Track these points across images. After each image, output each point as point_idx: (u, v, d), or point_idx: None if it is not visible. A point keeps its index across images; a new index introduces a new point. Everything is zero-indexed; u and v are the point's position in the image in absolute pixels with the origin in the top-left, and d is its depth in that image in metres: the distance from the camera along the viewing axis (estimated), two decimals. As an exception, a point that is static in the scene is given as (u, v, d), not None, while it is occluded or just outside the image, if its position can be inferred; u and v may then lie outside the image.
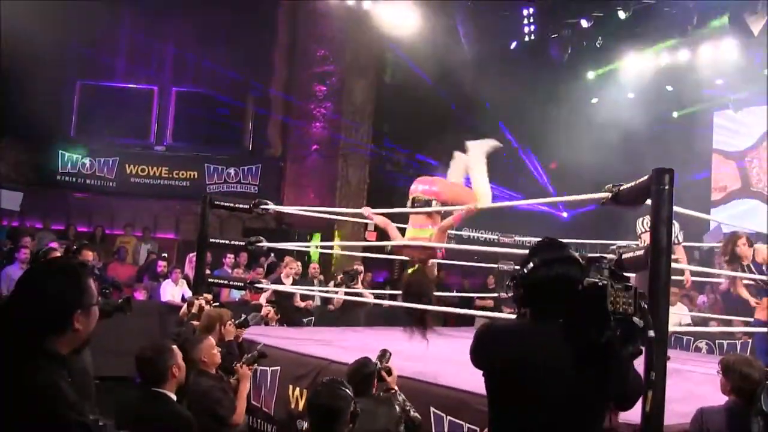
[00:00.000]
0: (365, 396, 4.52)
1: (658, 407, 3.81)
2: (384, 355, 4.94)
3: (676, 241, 7.75)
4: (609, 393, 2.64)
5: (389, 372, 4.82)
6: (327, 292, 10.55)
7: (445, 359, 6.55)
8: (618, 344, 2.49)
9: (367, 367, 4.77)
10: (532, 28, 16.51)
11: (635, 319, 2.50)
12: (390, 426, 4.49)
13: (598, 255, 2.96)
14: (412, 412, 4.74)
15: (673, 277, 8.13)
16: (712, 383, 4.37)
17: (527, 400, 2.64)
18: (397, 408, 4.64)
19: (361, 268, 11.29)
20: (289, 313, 10.15)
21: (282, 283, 10.31)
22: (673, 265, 6.96)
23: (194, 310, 7.05)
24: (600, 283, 2.54)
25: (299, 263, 11.04)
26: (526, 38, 16.70)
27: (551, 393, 2.59)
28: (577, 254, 2.80)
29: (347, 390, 3.79)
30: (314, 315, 10.77)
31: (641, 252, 4.49)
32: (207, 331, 5.87)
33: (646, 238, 7.63)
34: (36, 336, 2.23)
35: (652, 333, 2.52)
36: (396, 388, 4.80)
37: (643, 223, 7.74)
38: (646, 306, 2.55)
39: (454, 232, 16.23)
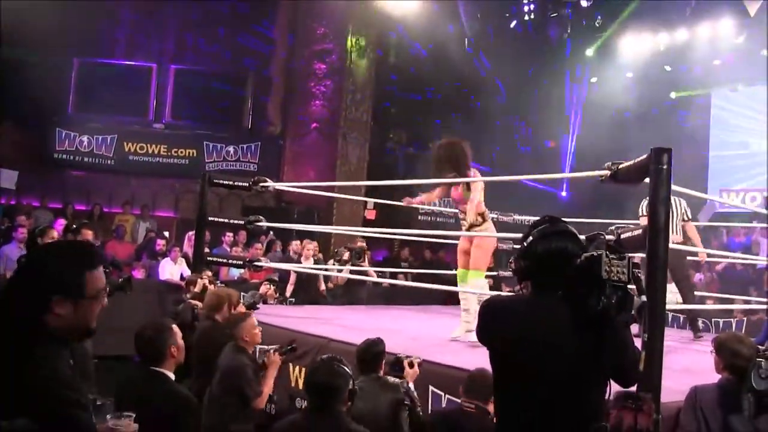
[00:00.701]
0: (371, 374, 4.59)
1: (655, 370, 3.88)
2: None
3: (686, 218, 7.81)
4: (606, 364, 2.65)
5: (412, 365, 4.79)
6: (333, 270, 10.54)
7: (443, 338, 6.60)
8: (613, 311, 2.53)
9: (377, 346, 4.77)
10: (532, 7, 16.50)
11: (630, 287, 2.56)
12: (389, 411, 4.44)
13: (596, 233, 3.01)
14: (418, 409, 4.63)
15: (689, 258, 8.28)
16: (707, 361, 4.40)
17: (527, 376, 2.68)
18: (402, 396, 4.54)
19: (365, 245, 11.27)
20: (312, 294, 10.22)
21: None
22: (680, 246, 7.10)
23: (197, 289, 7.06)
24: (596, 253, 2.60)
25: (315, 243, 10.94)
26: (526, 17, 16.69)
27: (550, 369, 2.63)
28: (574, 230, 2.85)
29: (345, 368, 3.79)
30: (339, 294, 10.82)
31: (639, 231, 4.52)
32: (214, 311, 5.89)
33: (644, 221, 7.71)
34: (39, 311, 2.24)
35: (644, 298, 2.61)
36: (410, 383, 4.72)
37: (643, 208, 7.80)
38: (640, 274, 2.62)
39: (452, 211, 16.29)
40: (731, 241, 13.44)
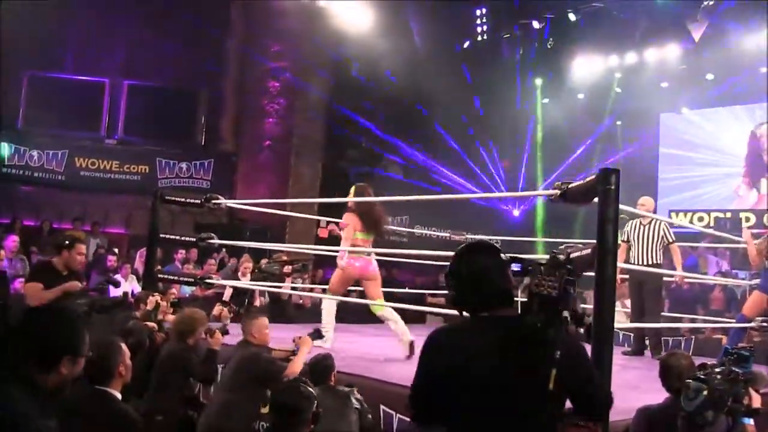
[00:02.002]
0: (323, 384, 4.82)
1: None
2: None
3: (670, 240, 8.07)
4: (560, 389, 2.51)
5: None
6: (278, 287, 10.49)
7: (395, 356, 6.61)
8: (540, 325, 2.47)
9: (327, 360, 5.11)
10: (485, 28, 16.71)
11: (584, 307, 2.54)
12: (352, 423, 4.71)
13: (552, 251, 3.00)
14: (369, 416, 4.90)
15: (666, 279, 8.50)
16: (655, 380, 4.47)
17: (469, 410, 2.59)
18: (355, 402, 4.83)
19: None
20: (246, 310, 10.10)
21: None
22: (657, 270, 7.28)
23: (149, 306, 6.99)
24: (528, 267, 2.61)
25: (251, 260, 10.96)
26: (479, 38, 16.89)
27: (488, 401, 2.55)
28: (499, 249, 2.80)
29: (310, 389, 3.84)
30: (265, 310, 10.71)
31: (588, 251, 4.60)
32: (188, 335, 5.81)
33: (674, 248, 8.04)
34: (23, 368, 2.39)
35: (566, 313, 2.49)
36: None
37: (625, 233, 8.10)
38: (572, 289, 2.56)
39: (405, 229, 16.35)
40: (690, 259, 13.63)
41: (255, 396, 5.30)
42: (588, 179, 4.62)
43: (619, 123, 17.60)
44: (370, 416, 4.89)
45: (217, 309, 8.96)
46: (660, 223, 8.18)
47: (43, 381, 2.40)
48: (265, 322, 5.75)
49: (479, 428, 2.58)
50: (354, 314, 9.61)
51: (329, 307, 7.24)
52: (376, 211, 7.28)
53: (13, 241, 11.56)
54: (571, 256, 4.74)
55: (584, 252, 4.70)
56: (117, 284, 8.48)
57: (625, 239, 8.14)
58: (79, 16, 15.65)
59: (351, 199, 7.32)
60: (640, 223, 8.19)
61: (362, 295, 7.54)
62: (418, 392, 2.75)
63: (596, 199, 4.46)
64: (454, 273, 2.75)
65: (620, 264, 6.56)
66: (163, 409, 5.55)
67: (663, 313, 9.91)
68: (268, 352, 5.70)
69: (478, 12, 16.63)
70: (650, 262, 7.97)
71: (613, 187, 4.35)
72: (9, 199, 15.32)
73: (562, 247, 4.86)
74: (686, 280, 9.72)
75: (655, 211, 13.79)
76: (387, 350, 6.95)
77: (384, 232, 7.56)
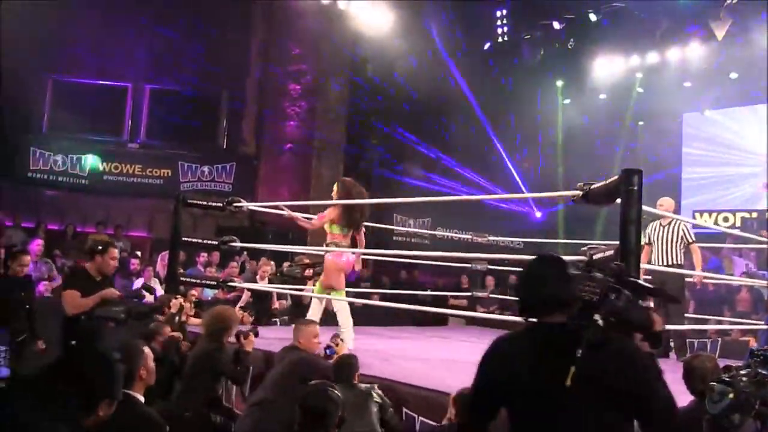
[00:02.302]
0: (347, 383, 4.91)
1: None
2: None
3: (690, 240, 8.02)
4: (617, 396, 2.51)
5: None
6: (300, 290, 10.50)
7: (417, 359, 6.60)
8: (581, 330, 2.49)
9: (351, 359, 5.25)
10: (505, 29, 16.66)
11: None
12: (373, 417, 4.81)
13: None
14: (390, 410, 4.95)
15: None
16: (680, 382, 4.42)
17: (521, 419, 2.64)
18: (376, 397, 4.93)
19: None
20: (264, 314, 10.14)
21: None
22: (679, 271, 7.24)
23: (173, 310, 7.03)
24: (571, 273, 2.63)
25: (273, 263, 11.02)
26: (500, 39, 16.84)
27: (537, 407, 2.59)
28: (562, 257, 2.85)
29: (337, 393, 3.86)
30: (286, 314, 10.75)
31: (611, 252, 4.57)
32: (219, 335, 5.87)
33: (694, 248, 8.01)
34: (71, 409, 2.49)
35: (598, 317, 2.49)
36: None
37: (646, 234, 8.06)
38: (614, 295, 2.55)
39: (427, 231, 16.31)
40: (714, 261, 13.49)
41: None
42: (610, 180, 4.60)
43: (641, 123, 17.47)
44: (391, 410, 4.94)
45: (237, 313, 8.97)
46: (680, 224, 8.13)
47: (83, 422, 2.49)
48: (315, 330, 5.79)
49: None
50: (373, 317, 9.62)
51: (343, 308, 7.25)
52: (358, 208, 7.39)
53: (37, 244, 11.69)
54: (594, 257, 4.74)
55: (607, 253, 4.70)
56: (152, 291, 8.51)
57: (647, 241, 8.09)
58: (101, 21, 15.77)
59: (368, 201, 7.35)
60: (660, 224, 8.15)
61: (384, 297, 7.56)
62: (476, 399, 2.81)
63: (618, 200, 4.44)
64: (518, 282, 2.87)
65: (643, 265, 6.51)
66: (192, 407, 5.61)
67: (688, 315, 9.84)
68: (314, 361, 5.70)
69: (498, 13, 16.59)
70: (671, 263, 7.92)
71: (635, 188, 4.33)
72: (34, 203, 15.47)
73: (585, 248, 4.87)
74: (711, 281, 9.62)
75: (678, 212, 13.74)
76: (408, 353, 6.94)
77: (362, 228, 7.58)
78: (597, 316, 2.50)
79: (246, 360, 5.94)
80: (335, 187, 7.47)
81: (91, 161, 16.01)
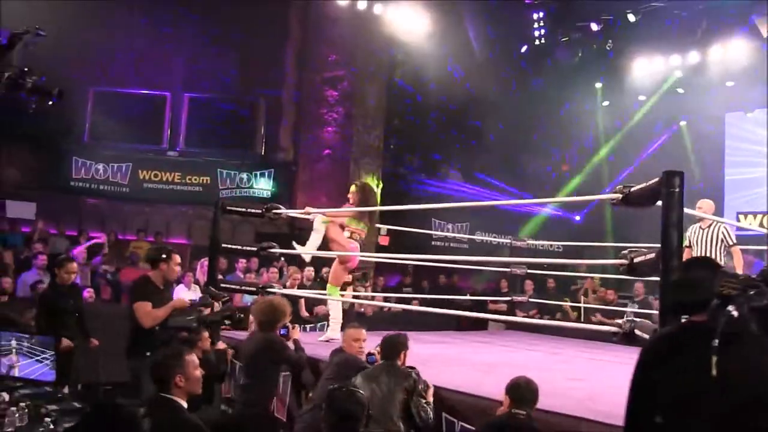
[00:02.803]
0: (390, 360, 5.24)
1: None
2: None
3: (730, 242, 7.90)
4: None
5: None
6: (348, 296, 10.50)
7: (457, 363, 6.56)
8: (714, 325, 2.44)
9: (400, 338, 5.40)
10: (542, 31, 16.55)
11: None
12: (400, 396, 4.96)
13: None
14: (423, 402, 4.98)
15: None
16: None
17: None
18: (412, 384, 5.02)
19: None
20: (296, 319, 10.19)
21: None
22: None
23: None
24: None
25: (307, 269, 11.08)
26: (536, 42, 16.73)
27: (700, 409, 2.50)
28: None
29: (364, 396, 3.88)
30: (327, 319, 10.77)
31: (653, 255, 4.50)
32: (272, 326, 6.01)
33: (735, 251, 7.88)
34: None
35: (732, 308, 2.43)
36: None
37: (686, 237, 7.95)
38: (754, 291, 2.49)
39: (466, 235, 16.25)
40: (759, 264, 13.22)
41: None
42: (651, 182, 4.52)
43: (682, 124, 17.23)
44: (423, 401, 4.96)
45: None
46: (720, 226, 8.00)
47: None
48: (356, 334, 5.81)
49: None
50: (412, 322, 9.60)
51: (336, 303, 8.00)
52: (372, 203, 8.24)
53: (81, 252, 11.87)
54: (635, 260, 4.66)
55: (648, 256, 4.62)
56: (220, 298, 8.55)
57: (687, 244, 7.97)
58: (139, 32, 15.97)
59: (402, 207, 7.45)
60: (700, 227, 8.04)
61: (424, 302, 7.53)
62: (636, 405, 2.70)
63: (659, 203, 4.37)
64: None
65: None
66: (259, 402, 5.85)
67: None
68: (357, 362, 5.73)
69: (535, 15, 16.48)
70: None
71: (677, 190, 4.25)
72: (76, 211, 15.69)
73: (625, 251, 4.80)
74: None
75: (721, 214, 13.51)
76: (448, 357, 6.90)
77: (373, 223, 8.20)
78: (731, 307, 2.46)
79: (301, 347, 6.16)
80: (352, 188, 8.04)
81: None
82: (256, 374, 5.89)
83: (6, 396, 5.18)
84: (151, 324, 5.97)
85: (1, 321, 7.84)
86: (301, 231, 14.92)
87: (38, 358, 5.54)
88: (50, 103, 4.42)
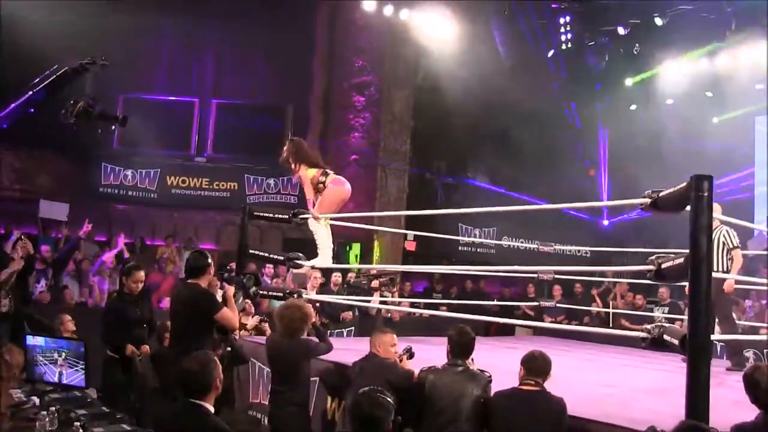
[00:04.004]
0: (463, 358, 5.33)
1: (701, 402, 3.88)
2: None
3: (732, 245, 7.84)
4: None
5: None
6: (367, 301, 10.53)
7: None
8: None
9: (470, 334, 5.46)
10: (569, 36, 16.49)
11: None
12: (471, 399, 5.02)
13: None
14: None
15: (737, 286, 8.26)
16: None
17: None
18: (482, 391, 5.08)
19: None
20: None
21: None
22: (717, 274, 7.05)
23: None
24: None
25: (333, 275, 11.10)
26: (564, 46, 16.67)
27: None
28: None
29: (388, 398, 3.82)
30: (354, 325, 10.80)
31: (681, 260, 4.46)
32: (297, 332, 6.09)
33: (735, 254, 7.80)
34: None
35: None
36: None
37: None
38: None
39: (493, 240, 16.17)
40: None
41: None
42: (679, 186, 4.48)
43: (710, 127, 17.06)
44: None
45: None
46: (722, 229, 7.93)
47: None
48: (392, 340, 5.82)
49: None
50: (439, 328, 9.59)
51: (321, 231, 8.13)
52: (304, 151, 8.72)
53: (110, 257, 11.99)
54: (663, 266, 4.62)
55: (676, 262, 4.58)
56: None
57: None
58: (168, 38, 16.12)
59: (431, 211, 7.43)
60: None
61: (451, 308, 7.50)
62: None
63: (688, 208, 4.33)
64: None
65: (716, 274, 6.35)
66: (296, 402, 5.92)
67: (763, 324, 9.58)
68: (394, 366, 5.74)
69: (562, 20, 16.42)
70: (715, 270, 7.71)
71: (706, 194, 4.21)
72: (106, 217, 15.82)
73: (653, 257, 4.76)
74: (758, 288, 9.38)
75: (752, 217, 13.36)
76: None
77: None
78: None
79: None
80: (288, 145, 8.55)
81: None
82: (290, 377, 5.95)
83: (36, 400, 5.25)
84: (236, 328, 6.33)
85: (38, 327, 7.83)
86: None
87: (71, 363, 5.59)
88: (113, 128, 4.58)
